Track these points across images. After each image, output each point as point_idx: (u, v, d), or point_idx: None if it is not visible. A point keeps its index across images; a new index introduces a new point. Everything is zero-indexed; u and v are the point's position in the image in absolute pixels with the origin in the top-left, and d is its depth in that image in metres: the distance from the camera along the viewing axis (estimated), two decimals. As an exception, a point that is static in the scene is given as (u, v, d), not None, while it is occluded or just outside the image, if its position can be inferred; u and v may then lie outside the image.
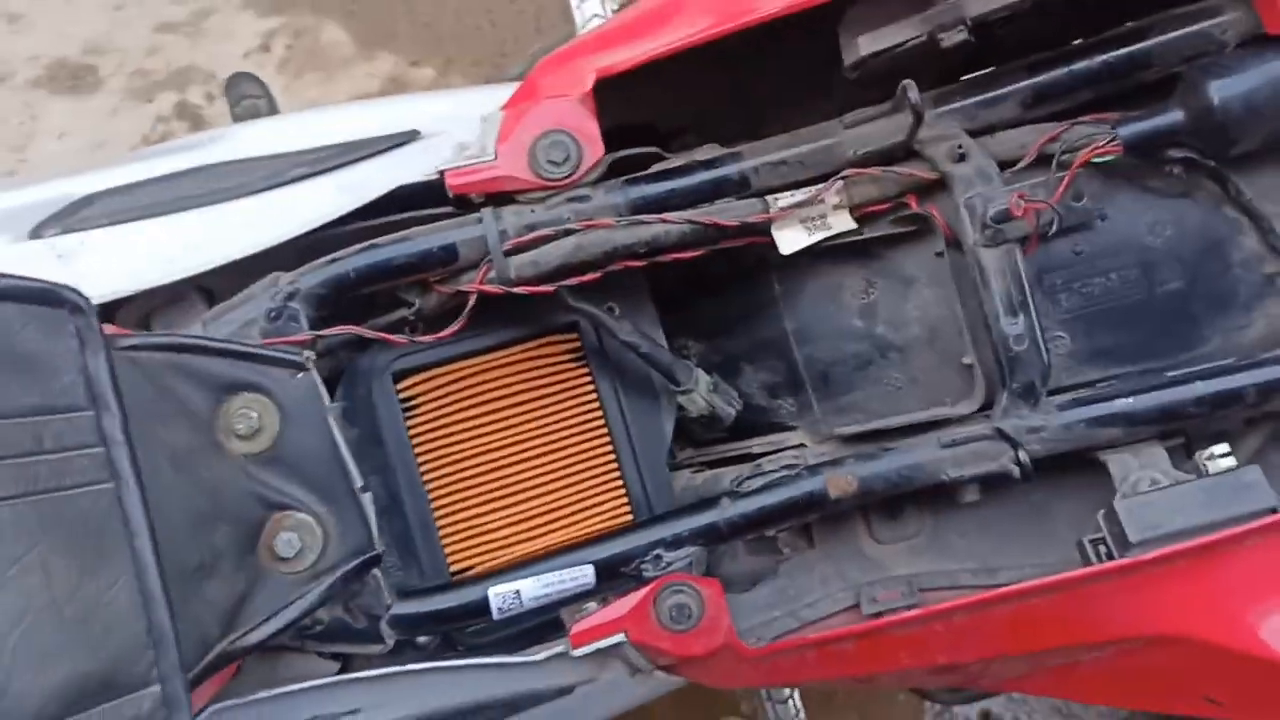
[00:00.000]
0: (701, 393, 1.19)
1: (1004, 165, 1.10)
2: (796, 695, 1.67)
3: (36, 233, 1.03)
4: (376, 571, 1.04)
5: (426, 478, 1.17)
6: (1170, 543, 0.95)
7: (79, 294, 0.70)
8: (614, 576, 1.10)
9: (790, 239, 1.11)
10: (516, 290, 1.07)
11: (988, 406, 1.12)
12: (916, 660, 1.02)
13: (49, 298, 0.68)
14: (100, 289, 1.01)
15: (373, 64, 2.94)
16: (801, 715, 1.67)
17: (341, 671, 1.09)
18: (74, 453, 0.67)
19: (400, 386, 1.16)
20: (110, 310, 1.04)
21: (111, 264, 1.03)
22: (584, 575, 1.08)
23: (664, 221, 1.08)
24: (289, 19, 2.96)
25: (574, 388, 1.22)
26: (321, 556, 0.98)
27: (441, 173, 1.06)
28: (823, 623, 1.16)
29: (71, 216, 1.05)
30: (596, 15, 1.68)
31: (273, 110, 1.82)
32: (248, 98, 1.80)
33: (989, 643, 0.98)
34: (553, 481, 1.20)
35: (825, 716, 2.47)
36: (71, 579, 0.65)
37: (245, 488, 0.95)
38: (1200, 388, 1.06)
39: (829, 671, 1.06)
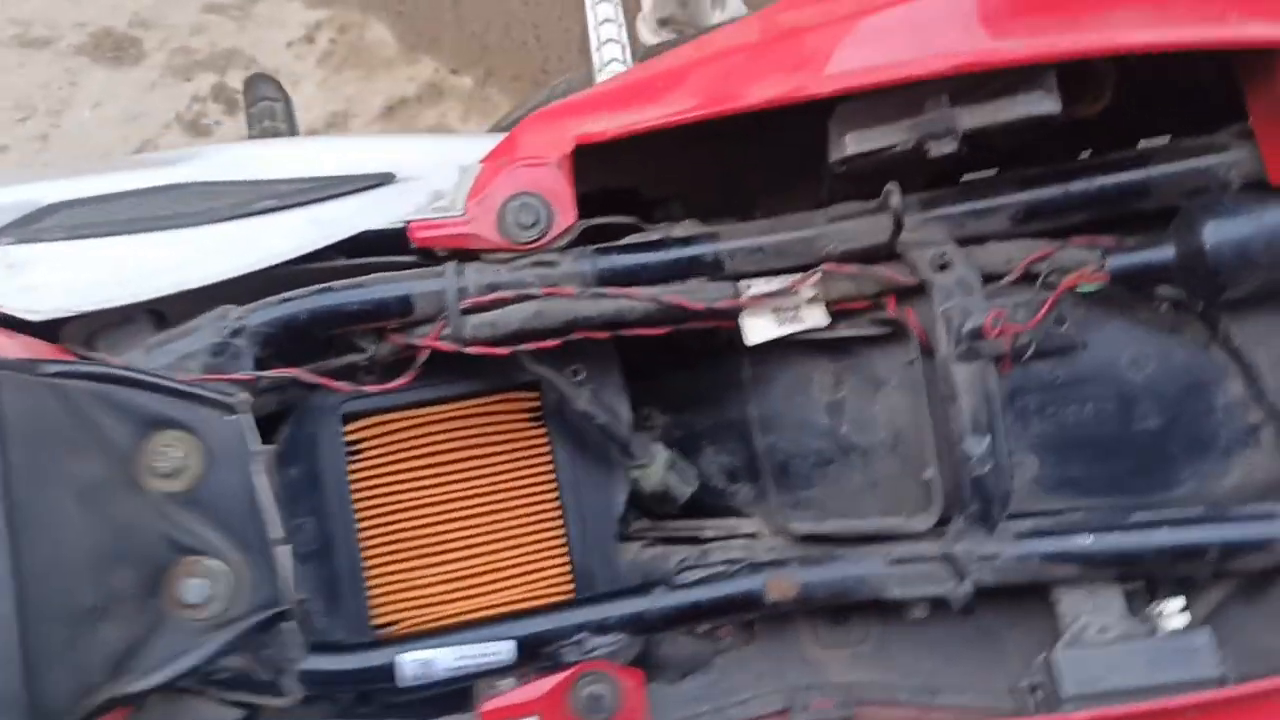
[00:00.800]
0: (657, 470, 1.16)
1: (989, 278, 1.05)
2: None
3: (-8, 238, 1.01)
4: (290, 624, 1.01)
5: (363, 526, 1.14)
6: (1104, 703, 0.90)
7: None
8: (535, 656, 1.06)
9: (758, 329, 1.07)
10: (469, 351, 1.04)
11: (945, 522, 1.08)
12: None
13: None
14: (48, 305, 1.00)
15: (414, 67, 2.94)
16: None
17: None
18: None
19: (349, 429, 1.14)
20: (55, 326, 1.02)
21: (63, 280, 1.01)
22: (504, 651, 1.05)
23: (628, 297, 1.04)
24: (336, 12, 2.96)
25: (529, 448, 1.19)
26: (230, 606, 0.95)
27: (408, 223, 1.03)
28: (750, 725, 1.12)
29: (29, 226, 1.03)
30: (615, 60, 1.65)
31: (289, 114, 1.81)
32: (265, 99, 1.79)
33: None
34: (494, 543, 1.17)
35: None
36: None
37: (157, 528, 0.92)
38: (1163, 536, 1.01)
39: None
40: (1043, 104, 0.96)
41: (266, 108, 1.77)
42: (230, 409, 0.96)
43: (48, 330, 1.01)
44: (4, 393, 0.80)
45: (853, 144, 0.99)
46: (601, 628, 1.06)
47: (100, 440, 0.91)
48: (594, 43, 1.71)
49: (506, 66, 2.93)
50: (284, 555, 0.96)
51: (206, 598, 0.94)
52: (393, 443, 1.15)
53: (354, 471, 1.14)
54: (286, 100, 1.81)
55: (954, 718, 1.04)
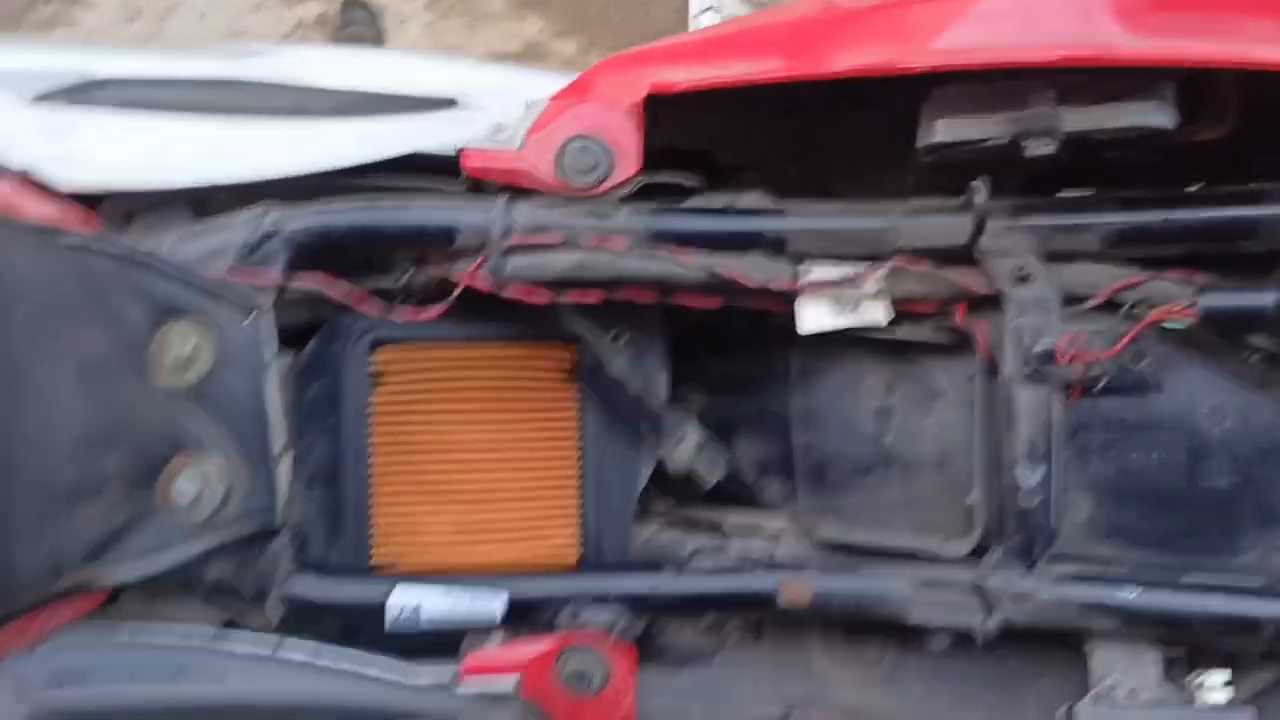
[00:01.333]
0: (687, 450, 1.10)
1: (1069, 300, 0.98)
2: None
3: (41, 99, 0.98)
4: (280, 542, 0.97)
5: (374, 457, 1.10)
6: (1122, 772, 0.82)
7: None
8: (525, 618, 1.01)
9: (813, 318, 1.01)
10: (506, 293, 0.99)
11: (981, 552, 1.00)
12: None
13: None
14: (86, 177, 0.97)
15: (520, 24, 2.89)
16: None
17: (227, 626, 1.02)
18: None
19: (375, 356, 1.09)
20: (94, 200, 0.99)
21: (106, 153, 0.98)
22: (494, 606, 1.00)
23: (679, 262, 0.98)
24: (454, -41, 2.94)
25: (556, 406, 1.13)
26: (219, 511, 0.92)
27: (460, 151, 0.98)
28: (739, 731, 1.06)
29: (82, 92, 1.00)
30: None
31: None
32: (355, 24, 1.76)
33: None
34: (505, 497, 1.12)
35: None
36: None
37: (158, 418, 0.89)
38: (1217, 603, 0.93)
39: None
40: (1155, 116, 0.88)
41: (356, 34, 1.75)
42: (251, 310, 0.93)
43: (86, 201, 0.98)
44: (11, 252, 0.77)
45: (944, 131, 0.92)
46: (601, 600, 1.01)
47: (113, 320, 0.88)
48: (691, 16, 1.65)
49: (610, 37, 2.87)
50: (284, 469, 0.92)
51: (198, 497, 0.91)
52: (418, 377, 1.11)
53: (374, 400, 1.10)
54: (378, 30, 1.78)
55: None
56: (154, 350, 0.90)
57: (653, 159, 1.01)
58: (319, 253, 0.99)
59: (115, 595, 1.00)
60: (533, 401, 1.13)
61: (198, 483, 0.91)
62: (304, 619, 1.04)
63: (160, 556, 0.89)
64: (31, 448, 0.78)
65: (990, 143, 0.91)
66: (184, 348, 0.90)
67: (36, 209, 0.89)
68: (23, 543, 0.77)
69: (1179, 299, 0.94)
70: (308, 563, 1.03)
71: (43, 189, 0.94)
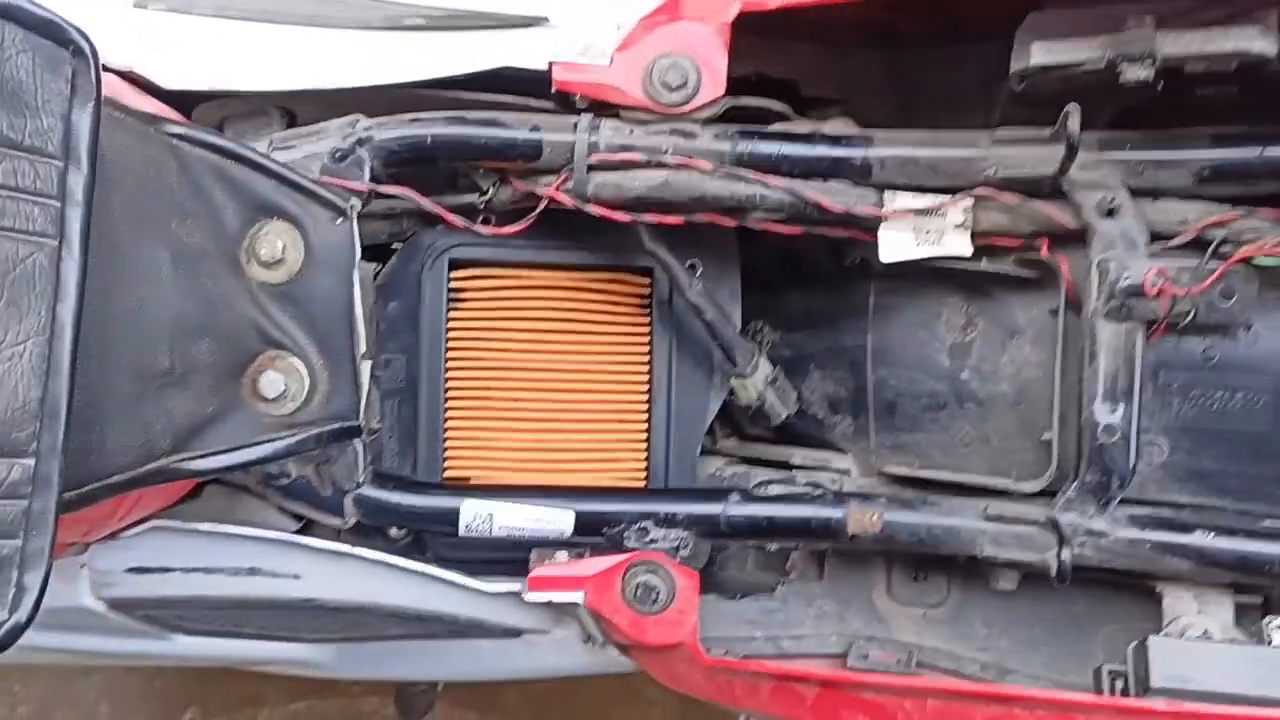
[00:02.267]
0: (757, 383, 1.10)
1: (1156, 237, 0.96)
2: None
3: (143, 3, 1.01)
4: (358, 445, 0.99)
5: (450, 375, 1.11)
6: (1194, 701, 0.82)
7: (86, 38, 0.66)
8: (593, 534, 1.02)
9: (895, 245, 1.00)
10: (590, 209, 1.00)
11: (1054, 493, 1.00)
12: (874, 730, 0.91)
13: (52, 31, 0.64)
14: (184, 76, 0.99)
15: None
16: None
17: (300, 533, 1.05)
18: (27, 197, 0.64)
19: (454, 275, 1.11)
20: (190, 104, 1.02)
21: (203, 56, 1.00)
22: (563, 521, 1.01)
23: (764, 183, 0.98)
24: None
25: (629, 333, 1.14)
26: (302, 408, 0.93)
27: (551, 64, 0.99)
28: (799, 661, 1.07)
29: (183, -1, 1.02)
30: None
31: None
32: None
33: (957, 740, 0.87)
34: (576, 420, 1.13)
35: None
36: (-23, 319, 0.61)
37: (248, 313, 0.91)
38: None
39: (780, 710, 0.96)
40: (1257, 42, 0.86)
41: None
42: (341, 212, 0.94)
43: (182, 107, 1.00)
44: (115, 136, 0.79)
45: (1039, 54, 0.91)
46: (667, 521, 1.02)
47: (209, 212, 0.89)
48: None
49: None
50: (366, 371, 0.94)
51: (282, 394, 0.92)
52: (495, 297, 1.12)
53: (452, 319, 1.11)
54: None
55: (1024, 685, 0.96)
56: (246, 247, 0.92)
57: (739, 88, 1.01)
58: (407, 163, 1.00)
59: (196, 492, 1.03)
60: (606, 328, 1.14)
61: (283, 379, 0.92)
62: (375, 528, 1.06)
63: (246, 451, 0.90)
64: (128, 328, 0.80)
65: (1086, 66, 0.90)
66: (275, 246, 0.92)
67: (139, 102, 0.92)
68: (117, 418, 0.79)
69: (1271, 236, 0.92)
70: (382, 473, 1.04)
71: (145, 86, 0.96)
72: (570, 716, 2.48)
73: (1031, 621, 1.08)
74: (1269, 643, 0.89)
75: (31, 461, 0.64)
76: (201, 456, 0.89)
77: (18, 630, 0.63)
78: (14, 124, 0.63)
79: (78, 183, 0.66)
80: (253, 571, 1.02)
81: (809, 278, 1.16)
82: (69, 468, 0.67)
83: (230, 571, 1.01)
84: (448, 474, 1.11)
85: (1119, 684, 0.88)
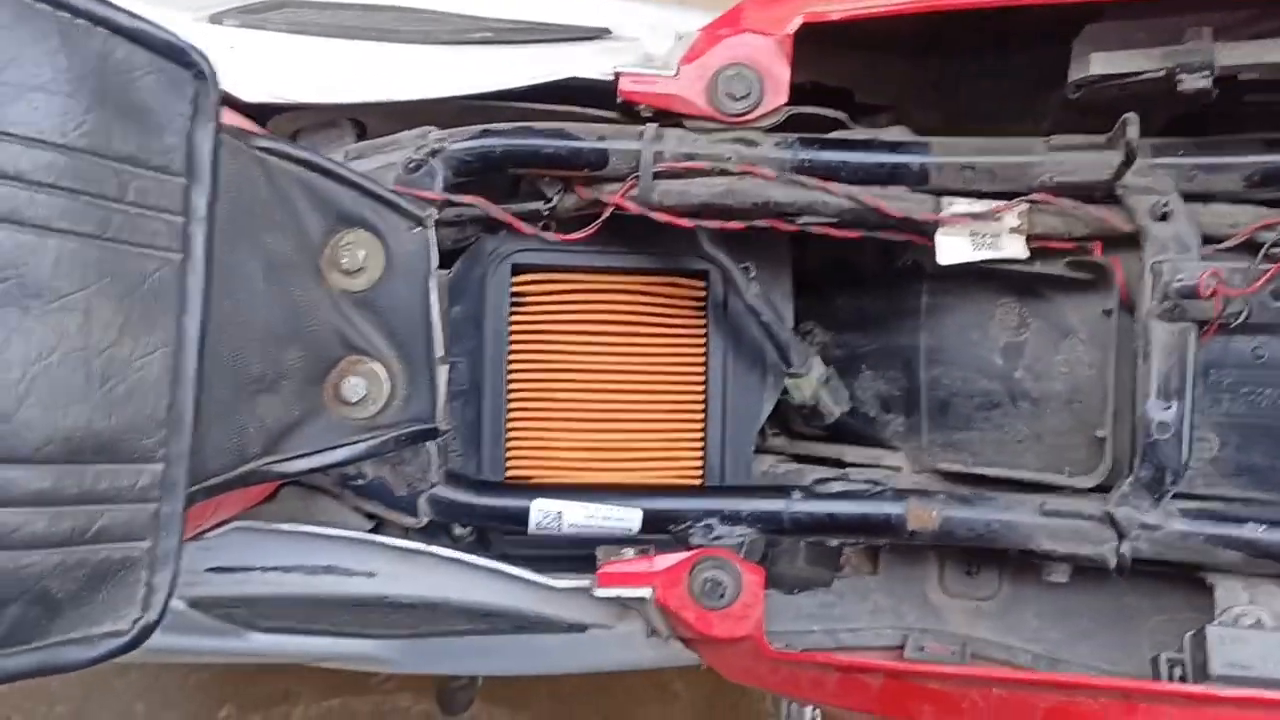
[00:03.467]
0: (811, 382, 1.13)
1: (1208, 240, 0.99)
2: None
3: (217, 19, 1.03)
4: (432, 446, 1.02)
5: (512, 377, 1.14)
6: (1254, 688, 0.85)
7: (207, 61, 0.68)
8: (659, 531, 1.05)
9: (952, 249, 1.03)
10: (654, 215, 1.03)
11: (1107, 489, 1.03)
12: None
13: (176, 54, 0.67)
14: (260, 91, 1.02)
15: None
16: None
17: (372, 533, 1.08)
18: (153, 214, 0.66)
19: (515, 280, 1.14)
20: (265, 116, 1.04)
21: (279, 70, 1.03)
22: (630, 519, 1.04)
23: (825, 190, 1.01)
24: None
25: (685, 335, 1.17)
26: (382, 411, 0.96)
27: (618, 74, 1.02)
28: (858, 653, 1.10)
29: (256, 14, 1.05)
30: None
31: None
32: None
33: (1022, 728, 0.90)
34: (635, 420, 1.16)
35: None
36: (110, 333, 0.64)
37: (330, 321, 0.94)
38: None
39: (846, 701, 0.99)
40: (1313, 52, 0.89)
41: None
42: (419, 221, 0.97)
43: (258, 119, 1.03)
44: (223, 153, 0.82)
45: (1099, 65, 0.94)
46: (731, 518, 1.05)
47: (295, 222, 0.92)
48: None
49: None
50: (443, 374, 0.97)
51: (363, 398, 0.95)
52: (557, 301, 1.15)
53: (514, 322, 1.14)
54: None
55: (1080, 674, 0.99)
56: (329, 256, 0.94)
57: (796, 96, 1.04)
58: (476, 173, 1.03)
59: (274, 494, 1.06)
60: (663, 330, 1.17)
61: (364, 384, 0.95)
62: (440, 528, 1.09)
63: (330, 453, 0.93)
64: (227, 335, 0.83)
65: (1144, 76, 0.93)
66: (357, 255, 0.94)
67: (227, 116, 0.94)
68: (216, 423, 0.82)
69: (1322, 239, 0.95)
70: (453, 473, 1.07)
71: (228, 99, 0.99)
72: (599, 713, 2.51)
73: (1081, 613, 1.11)
74: (1323, 631, 0.92)
75: (160, 467, 0.67)
76: (289, 459, 0.91)
77: (149, 629, 0.66)
78: (143, 144, 0.66)
79: (201, 199, 0.69)
80: (329, 569, 1.04)
81: (860, 279, 1.19)
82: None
83: (307, 570, 1.04)
84: (510, 473, 1.14)
85: (1177, 671, 0.91)
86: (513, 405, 1.15)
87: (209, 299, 0.69)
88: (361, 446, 0.95)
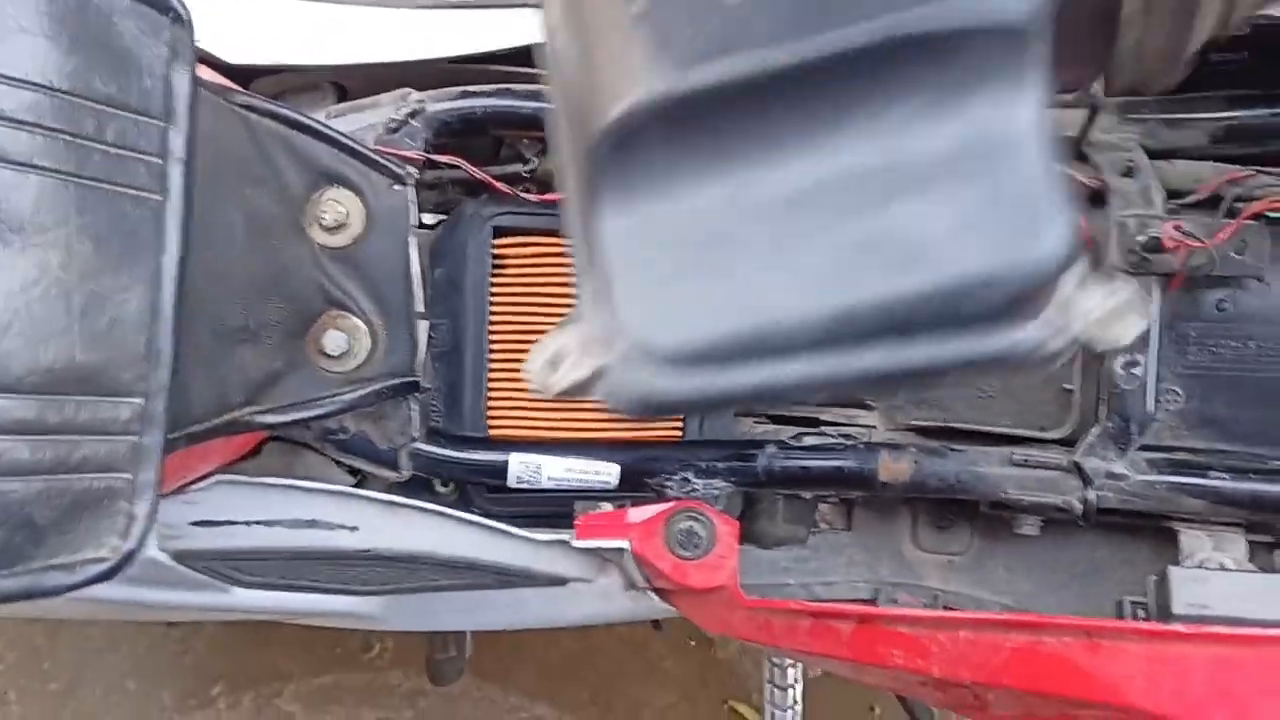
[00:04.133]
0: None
1: (1173, 195, 1.02)
2: (799, 689, 1.62)
3: (202, -17, 1.05)
4: (412, 402, 1.04)
5: (493, 337, 1.16)
6: (1214, 626, 0.87)
7: (183, 5, 0.70)
8: (637, 485, 1.07)
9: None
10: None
11: (1074, 441, 1.05)
12: (910, 664, 0.96)
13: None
14: (242, 53, 1.04)
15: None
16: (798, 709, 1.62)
17: (355, 488, 1.10)
18: (132, 154, 0.68)
19: (496, 242, 1.16)
20: (247, 79, 1.06)
21: (260, 32, 1.05)
22: (608, 473, 1.06)
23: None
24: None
25: (664, 297, 1.19)
26: (364, 365, 0.99)
27: (594, 36, 1.04)
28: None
29: (239, -22, 1.07)
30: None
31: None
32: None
33: (987, 669, 0.92)
34: (614, 381, 1.18)
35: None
36: (90, 269, 0.66)
37: (312, 275, 0.96)
38: None
39: (820, 646, 1.01)
40: (1277, 7, 0.91)
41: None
42: (400, 179, 0.99)
43: (240, 80, 1.05)
44: (204, 108, 0.84)
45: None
46: (708, 471, 1.07)
47: (277, 178, 0.94)
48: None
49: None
50: (422, 329, 0.99)
51: (344, 351, 0.97)
52: (535, 264, 1.17)
53: (495, 284, 1.16)
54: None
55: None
56: (309, 212, 0.96)
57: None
58: (456, 134, 1.05)
59: (258, 449, 1.08)
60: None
61: (345, 337, 0.97)
62: (422, 484, 1.11)
63: (311, 406, 0.95)
64: (209, 285, 0.85)
65: (1106, 33, 0.95)
66: (338, 211, 0.97)
67: (208, 74, 0.96)
68: (198, 371, 0.84)
69: (1282, 192, 0.98)
70: (435, 429, 1.09)
71: (211, 60, 1.01)
72: (589, 687, 2.53)
73: (1053, 565, 1.13)
74: (1281, 574, 0.94)
75: (140, 401, 0.69)
76: (271, 410, 0.94)
77: (130, 556, 0.68)
78: (121, 86, 0.68)
79: (178, 141, 0.70)
80: (312, 523, 1.06)
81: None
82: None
83: (290, 524, 1.06)
84: (491, 433, 1.16)
85: (1140, 613, 0.93)
86: (494, 366, 1.16)
87: (187, 239, 0.70)
88: (342, 399, 0.97)
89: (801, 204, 0.52)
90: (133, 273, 0.69)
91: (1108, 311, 0.51)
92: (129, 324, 0.68)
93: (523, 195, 1.09)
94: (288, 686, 2.47)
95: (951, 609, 1.14)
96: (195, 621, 2.49)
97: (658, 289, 0.54)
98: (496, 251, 1.16)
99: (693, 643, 2.54)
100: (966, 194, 0.51)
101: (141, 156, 0.69)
